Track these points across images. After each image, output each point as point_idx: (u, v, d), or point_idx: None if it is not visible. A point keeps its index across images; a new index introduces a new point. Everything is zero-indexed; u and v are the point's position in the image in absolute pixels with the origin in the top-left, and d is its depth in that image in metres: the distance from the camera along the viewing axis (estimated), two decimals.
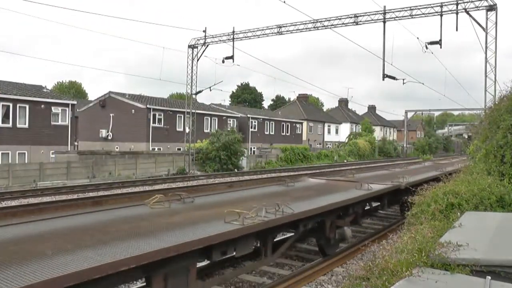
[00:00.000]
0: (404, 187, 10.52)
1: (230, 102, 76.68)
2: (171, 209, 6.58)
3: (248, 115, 49.18)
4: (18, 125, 28.17)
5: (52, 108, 30.34)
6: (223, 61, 28.94)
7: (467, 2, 21.66)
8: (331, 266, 8.19)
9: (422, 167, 18.67)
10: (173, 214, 6.18)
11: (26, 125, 28.66)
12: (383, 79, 24.35)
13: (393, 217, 14.07)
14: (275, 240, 7.17)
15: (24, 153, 28.35)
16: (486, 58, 21.69)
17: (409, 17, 23.39)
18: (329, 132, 70.02)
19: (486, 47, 21.63)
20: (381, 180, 11.48)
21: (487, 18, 21.58)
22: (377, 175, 14.16)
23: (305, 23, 26.10)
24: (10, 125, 27.71)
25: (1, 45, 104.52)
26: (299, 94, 71.01)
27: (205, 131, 41.38)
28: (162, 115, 38.95)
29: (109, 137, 39.01)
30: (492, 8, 21.40)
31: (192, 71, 31.08)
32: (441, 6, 22.27)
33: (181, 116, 39.84)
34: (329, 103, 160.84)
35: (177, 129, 39.96)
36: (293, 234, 7.45)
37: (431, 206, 6.54)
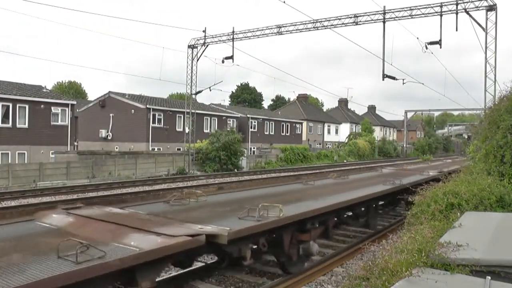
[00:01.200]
0: (230, 240, 5.04)
1: (230, 102, 76.72)
2: None
3: (248, 115, 49.18)
4: (18, 125, 28.17)
5: (52, 108, 30.34)
6: (223, 61, 28.96)
7: (467, 2, 21.68)
8: (331, 266, 8.19)
9: (371, 177, 13.60)
10: None
11: (26, 125, 28.66)
12: (383, 79, 24.38)
13: None
14: None
15: (24, 153, 28.35)
16: (486, 58, 21.70)
17: (409, 17, 23.40)
18: (329, 132, 70.02)
19: (486, 47, 21.64)
20: (224, 214, 6.48)
21: (487, 18, 21.60)
22: (238, 198, 8.35)
23: (305, 23, 26.11)
24: (10, 125, 27.71)
25: (0, 45, 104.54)
26: (299, 94, 71.03)
27: (205, 131, 41.38)
28: (162, 115, 38.95)
29: (108, 137, 39.01)
30: (492, 8, 21.41)
31: (192, 71, 31.10)
32: (441, 6, 22.28)
33: (181, 116, 39.84)
34: (329, 103, 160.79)
35: (177, 129, 39.97)
36: None
37: (431, 206, 6.54)
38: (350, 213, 9.65)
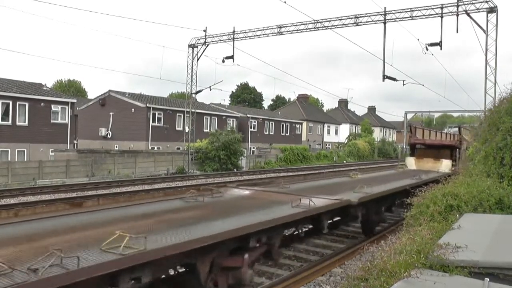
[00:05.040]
0: None
1: (230, 102, 76.69)
2: None
3: (248, 115, 49.18)
4: (17, 123, 28.15)
5: (52, 106, 30.33)
6: (223, 61, 28.95)
7: (467, 4, 21.67)
8: (329, 266, 8.19)
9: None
10: None
11: (26, 123, 28.64)
12: (383, 80, 24.37)
13: None
14: None
15: (24, 151, 28.34)
16: (486, 60, 21.70)
17: (410, 18, 23.39)
18: (328, 132, 70.05)
19: (487, 49, 21.64)
20: None
21: (487, 20, 21.60)
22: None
23: (306, 24, 26.11)
24: (9, 122, 27.71)
25: (1, 43, 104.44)
26: (299, 95, 71.05)
27: (205, 130, 41.38)
28: (162, 114, 38.94)
29: (108, 136, 39.00)
30: (492, 10, 21.41)
31: (192, 71, 31.09)
32: (442, 8, 22.28)
33: (180, 116, 39.84)
34: (329, 103, 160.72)
35: (177, 129, 39.96)
36: None
37: (430, 208, 6.54)
38: None
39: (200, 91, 32.16)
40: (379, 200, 9.79)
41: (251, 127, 48.97)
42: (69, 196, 17.05)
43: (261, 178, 25.57)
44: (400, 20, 23.65)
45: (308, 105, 72.38)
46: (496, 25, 21.46)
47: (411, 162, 19.14)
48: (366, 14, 24.34)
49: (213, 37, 29.90)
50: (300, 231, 7.53)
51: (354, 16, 24.60)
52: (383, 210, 10.60)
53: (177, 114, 40.14)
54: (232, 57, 28.58)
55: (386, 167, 24.54)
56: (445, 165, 17.41)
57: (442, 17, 22.25)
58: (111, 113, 39.18)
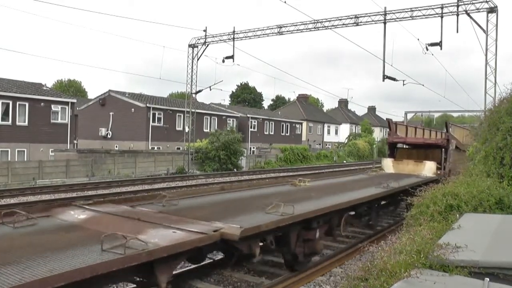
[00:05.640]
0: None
1: (230, 102, 76.72)
2: None
3: (248, 115, 49.20)
4: (17, 123, 28.17)
5: (52, 106, 30.34)
6: (223, 61, 28.98)
7: (467, 3, 21.69)
8: (329, 266, 8.18)
9: None
10: None
11: (26, 123, 28.66)
12: (383, 80, 24.41)
13: None
14: None
15: (24, 151, 28.35)
16: (486, 60, 21.71)
17: (410, 18, 23.40)
18: (328, 132, 70.07)
19: (487, 49, 21.65)
20: None
21: (487, 20, 21.61)
22: None
23: (306, 24, 26.12)
24: (9, 122, 27.72)
25: (1, 43, 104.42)
26: (299, 95, 71.07)
27: (205, 130, 41.40)
28: (162, 114, 38.96)
29: (108, 136, 39.02)
30: (492, 10, 21.42)
31: (192, 71, 31.11)
32: (442, 8, 22.29)
33: (180, 115, 39.85)
34: (329, 103, 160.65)
35: (177, 128, 39.97)
36: None
37: (430, 208, 6.53)
38: None
39: (200, 91, 32.19)
40: (309, 221, 6.97)
41: (251, 127, 48.99)
42: (69, 196, 17.06)
43: (261, 178, 25.57)
44: (400, 20, 23.67)
45: (308, 105, 72.41)
46: (496, 25, 21.48)
47: (388, 164, 16.33)
48: (366, 14, 24.37)
49: (213, 37, 29.92)
50: None
51: (354, 16, 24.61)
52: (318, 237, 7.34)
53: (177, 114, 40.16)
54: (232, 57, 28.61)
55: (360, 170, 21.65)
56: (428, 168, 14.95)
57: (442, 17, 22.27)
58: (111, 113, 39.20)
